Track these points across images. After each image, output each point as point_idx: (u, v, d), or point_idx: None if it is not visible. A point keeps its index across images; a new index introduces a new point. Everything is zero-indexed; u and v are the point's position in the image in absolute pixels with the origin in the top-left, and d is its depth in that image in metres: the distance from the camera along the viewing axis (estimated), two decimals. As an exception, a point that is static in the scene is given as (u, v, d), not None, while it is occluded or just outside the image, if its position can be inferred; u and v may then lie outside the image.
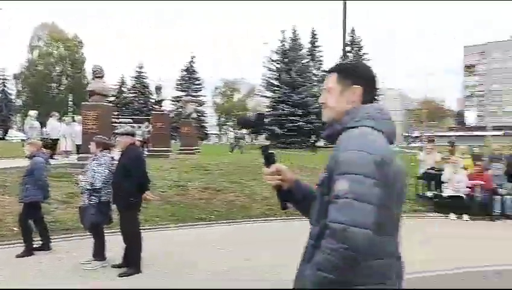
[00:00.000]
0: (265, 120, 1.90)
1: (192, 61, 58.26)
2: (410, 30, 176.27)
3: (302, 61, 42.24)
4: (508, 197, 9.72)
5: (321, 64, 48.07)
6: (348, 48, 43.83)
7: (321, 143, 35.40)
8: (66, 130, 15.17)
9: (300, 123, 37.35)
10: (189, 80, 57.73)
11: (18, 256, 5.80)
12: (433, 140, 14.84)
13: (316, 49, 48.10)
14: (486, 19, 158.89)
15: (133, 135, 5.61)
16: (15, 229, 6.81)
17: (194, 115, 22.41)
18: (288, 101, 38.14)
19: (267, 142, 1.89)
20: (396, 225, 1.65)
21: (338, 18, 16.55)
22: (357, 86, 1.72)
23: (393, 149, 1.66)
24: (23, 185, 6.05)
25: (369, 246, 1.44)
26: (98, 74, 11.95)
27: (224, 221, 8.50)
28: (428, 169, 10.90)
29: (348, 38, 43.68)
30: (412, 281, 5.07)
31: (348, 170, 1.50)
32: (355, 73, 1.76)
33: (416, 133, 75.23)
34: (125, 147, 5.36)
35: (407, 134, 78.67)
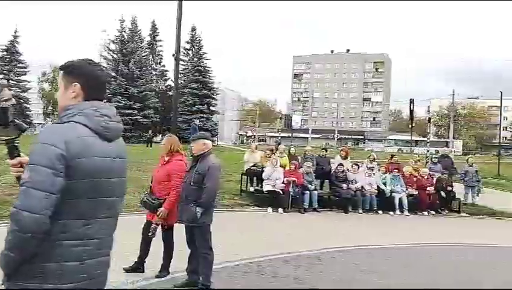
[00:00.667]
0: (8, 113, 1.92)
1: (15, 40, 51.60)
2: (250, 38, 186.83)
3: (142, 54, 41.24)
4: (315, 192, 11.18)
5: (161, 58, 47.63)
6: (188, 46, 44.32)
7: (158, 138, 35.08)
8: None
9: (138, 117, 36.43)
10: (11, 61, 51.05)
11: None
12: (265, 140, 16.11)
13: (157, 43, 47.44)
14: (313, 33, 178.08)
15: None
16: None
17: (13, 101, 19.94)
18: (125, 93, 36.82)
19: (13, 136, 1.91)
20: (94, 212, 1.76)
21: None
22: (76, 83, 1.82)
23: (94, 143, 1.76)
24: None
25: (38, 228, 1.62)
26: None
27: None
28: (251, 167, 11.80)
29: (188, 36, 44.17)
30: (235, 267, 5.52)
31: (31, 160, 1.69)
32: (76, 70, 1.85)
33: (250, 133, 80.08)
34: None
35: (242, 133, 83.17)
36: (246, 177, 11.95)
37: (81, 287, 1.76)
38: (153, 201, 4.90)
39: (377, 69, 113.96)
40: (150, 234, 4.84)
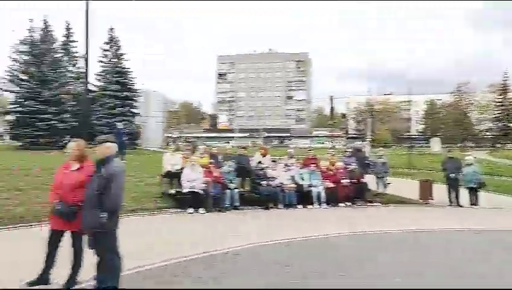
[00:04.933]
0: None
1: None
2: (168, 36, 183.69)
3: (55, 56, 39.01)
4: (236, 190, 11.33)
5: (77, 60, 45.32)
6: (106, 47, 42.65)
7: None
8: None
9: (53, 122, 34.40)
10: None
11: None
12: (191, 141, 16.01)
13: (71, 44, 45.06)
14: (235, 33, 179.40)
15: None
16: None
17: None
18: (38, 97, 34.60)
19: None
20: None
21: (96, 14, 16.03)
22: None
23: None
24: None
25: None
26: None
27: None
28: (171, 168, 11.67)
29: (106, 36, 42.51)
30: (148, 271, 5.44)
31: None
32: None
33: (175, 134, 78.94)
34: None
35: (168, 135, 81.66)
36: (166, 179, 11.80)
37: None
38: (69, 209, 4.73)
39: (299, 68, 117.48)
40: (83, 248, 4.67)
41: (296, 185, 12.16)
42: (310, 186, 12.27)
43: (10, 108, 36.68)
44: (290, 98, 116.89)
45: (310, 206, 11.91)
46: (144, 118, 43.94)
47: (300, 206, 11.82)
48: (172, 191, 11.26)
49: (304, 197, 12.06)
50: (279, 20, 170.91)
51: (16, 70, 37.45)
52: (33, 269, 4.96)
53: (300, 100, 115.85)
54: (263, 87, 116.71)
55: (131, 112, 39.81)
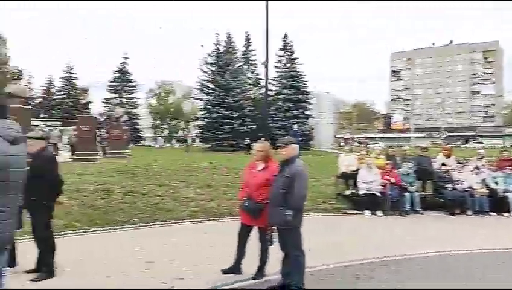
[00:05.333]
0: None
1: (125, 62, 56.76)
2: (342, 38, 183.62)
3: (237, 65, 42.74)
4: (416, 193, 10.62)
5: (255, 67, 48.90)
6: (281, 53, 44.98)
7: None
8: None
9: (235, 126, 37.74)
10: (123, 81, 56.18)
11: None
12: (365, 142, 15.74)
13: (250, 52, 48.82)
14: (410, 28, 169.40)
15: (44, 138, 5.55)
16: None
17: (125, 118, 22.01)
18: (223, 104, 38.39)
19: None
20: (5, 190, 2.84)
21: (272, 22, 17.06)
22: None
23: (5, 146, 2.83)
24: None
25: None
26: (16, 76, 11.48)
27: (147, 224, 8.53)
28: (346, 169, 11.58)
29: (280, 43, 44.87)
30: (331, 270, 5.52)
31: None
32: None
33: (347, 135, 78.54)
34: (37, 150, 5.30)
35: (339, 136, 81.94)
36: (342, 180, 11.76)
37: None
38: (255, 206, 5.10)
39: (486, 59, 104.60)
40: (269, 243, 5.01)
41: (488, 190, 10.80)
42: (506, 191, 10.74)
43: (200, 114, 41.54)
44: (475, 92, 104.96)
45: (506, 215, 10.44)
46: (316, 120, 44.79)
47: (493, 214, 10.45)
48: (348, 193, 11.15)
49: (498, 204, 10.62)
50: (459, 11, 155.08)
51: (204, 80, 42.22)
52: (226, 259, 5.45)
53: (488, 95, 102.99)
54: (443, 82, 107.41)
55: (304, 114, 41.09)
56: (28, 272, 5.27)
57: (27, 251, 5.41)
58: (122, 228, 8.19)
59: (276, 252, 4.97)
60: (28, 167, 5.23)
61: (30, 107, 14.08)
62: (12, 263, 5.33)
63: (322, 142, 44.79)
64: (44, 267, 5.20)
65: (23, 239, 5.75)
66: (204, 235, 7.81)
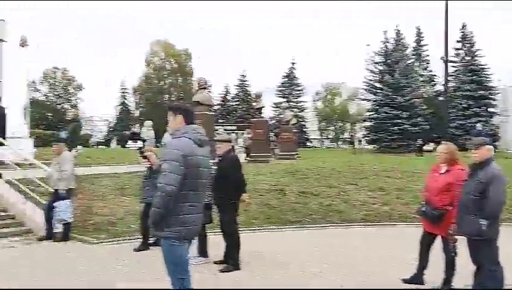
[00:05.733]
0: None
1: (292, 67, 58.96)
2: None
3: (407, 62, 40.43)
4: None
5: (428, 63, 45.56)
6: (458, 45, 41.02)
7: (430, 147, 33.28)
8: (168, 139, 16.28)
9: (406, 126, 35.73)
10: (290, 86, 58.44)
11: (135, 249, 6.59)
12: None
13: (422, 48, 45.69)
14: None
15: (230, 141, 6.06)
16: (132, 226, 7.70)
17: (294, 121, 22.78)
18: (392, 103, 36.72)
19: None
20: (196, 187, 3.27)
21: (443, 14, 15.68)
22: (179, 116, 3.42)
23: (196, 148, 3.29)
24: (144, 187, 6.81)
25: (173, 194, 3.13)
26: (202, 85, 12.85)
27: (320, 225, 8.63)
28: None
29: (458, 34, 40.90)
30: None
31: (166, 158, 3.23)
32: (178, 109, 3.47)
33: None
34: (223, 152, 5.82)
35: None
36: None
37: (189, 229, 3.26)
38: (433, 212, 4.71)
39: None
40: (452, 254, 4.63)
41: None
42: None
43: (367, 115, 40.50)
44: None
45: None
46: (503, 118, 39.46)
47: None
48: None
49: None
50: None
51: (371, 80, 40.99)
52: (406, 267, 5.13)
53: None
54: None
55: (488, 111, 36.67)
56: (216, 263, 5.81)
57: (217, 243, 5.96)
58: (296, 227, 8.45)
59: (466, 263, 4.45)
60: (216, 168, 5.83)
61: (213, 113, 15.62)
62: (204, 253, 5.97)
63: (510, 142, 39.20)
64: (231, 260, 5.66)
65: (213, 233, 6.35)
66: (380, 239, 7.53)
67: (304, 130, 55.44)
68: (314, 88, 70.80)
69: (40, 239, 7.35)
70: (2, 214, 8.31)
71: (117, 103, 67.74)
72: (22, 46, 25.78)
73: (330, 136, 71.14)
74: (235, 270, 5.55)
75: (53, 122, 56.80)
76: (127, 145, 43.95)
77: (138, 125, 16.52)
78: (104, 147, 49.38)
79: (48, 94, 64.60)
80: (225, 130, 29.72)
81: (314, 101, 71.29)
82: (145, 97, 64.59)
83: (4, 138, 10.10)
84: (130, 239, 7.20)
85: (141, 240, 6.75)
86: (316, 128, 70.34)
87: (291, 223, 8.66)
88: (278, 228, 8.33)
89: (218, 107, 60.94)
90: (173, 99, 63.87)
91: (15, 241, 7.37)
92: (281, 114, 29.27)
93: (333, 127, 70.19)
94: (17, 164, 10.28)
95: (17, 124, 14.81)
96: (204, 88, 13.04)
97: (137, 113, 66.67)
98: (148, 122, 16.51)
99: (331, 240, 7.46)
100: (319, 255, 6.45)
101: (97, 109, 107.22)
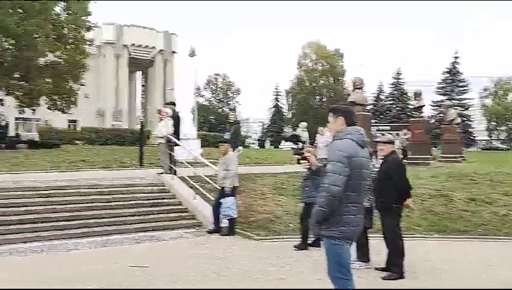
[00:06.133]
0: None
1: (455, 61, 53.99)
2: None
3: None
4: None
5: None
6: None
7: None
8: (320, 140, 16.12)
9: None
10: (453, 82, 53.64)
11: (295, 247, 6.72)
12: None
13: None
14: None
15: (393, 142, 5.75)
16: (290, 225, 7.89)
17: (458, 120, 20.78)
18: None
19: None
20: (359, 188, 3.29)
21: None
22: (340, 117, 3.41)
23: (358, 149, 3.28)
24: (303, 187, 6.92)
25: (339, 195, 3.14)
26: (358, 85, 12.57)
27: (494, 236, 7.66)
28: None
29: None
30: None
31: (331, 159, 3.24)
32: (339, 111, 3.46)
33: None
34: (386, 154, 5.56)
35: None
36: None
37: (353, 230, 3.27)
38: None
39: None
40: None
41: None
42: None
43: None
44: None
45: None
46: None
47: None
48: None
49: None
50: None
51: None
52: None
53: None
54: None
55: None
56: (377, 269, 5.57)
57: (379, 250, 5.72)
58: (465, 237, 7.65)
59: None
60: (378, 170, 5.59)
61: (368, 113, 15.17)
62: (365, 258, 5.78)
63: None
64: (394, 267, 5.37)
65: (375, 238, 6.12)
66: None
67: (470, 130, 50.24)
68: (481, 84, 63.37)
69: (210, 232, 8.02)
70: (180, 207, 9.33)
71: (270, 105, 70.93)
72: (191, 56, 28.73)
73: (501, 137, 63.12)
74: (400, 279, 5.25)
75: (215, 124, 62.29)
76: (279, 146, 45.76)
77: (299, 128, 16.86)
78: (258, 147, 52.14)
79: (210, 98, 71.00)
80: (378, 130, 28.65)
81: (481, 98, 64.08)
82: (297, 99, 66.13)
83: (179, 140, 11.33)
84: (288, 238, 7.38)
85: (300, 239, 6.86)
86: (483, 128, 63.22)
87: (460, 232, 7.87)
88: (444, 237, 7.65)
89: (371, 106, 59.12)
90: (324, 100, 64.17)
91: (188, 232, 8.17)
92: (443, 113, 26.74)
93: (505, 127, 62.11)
94: (189, 163, 11.41)
95: (188, 126, 16.55)
96: (360, 88, 12.72)
97: (289, 115, 68.71)
98: (303, 124, 16.79)
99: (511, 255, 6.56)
100: (496, 269, 5.72)
101: (252, 111, 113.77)
